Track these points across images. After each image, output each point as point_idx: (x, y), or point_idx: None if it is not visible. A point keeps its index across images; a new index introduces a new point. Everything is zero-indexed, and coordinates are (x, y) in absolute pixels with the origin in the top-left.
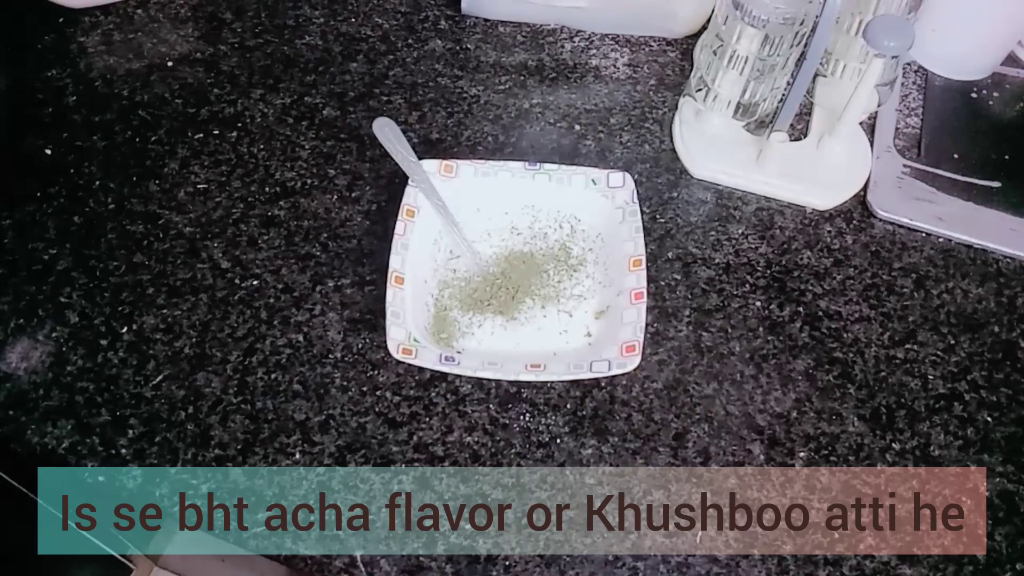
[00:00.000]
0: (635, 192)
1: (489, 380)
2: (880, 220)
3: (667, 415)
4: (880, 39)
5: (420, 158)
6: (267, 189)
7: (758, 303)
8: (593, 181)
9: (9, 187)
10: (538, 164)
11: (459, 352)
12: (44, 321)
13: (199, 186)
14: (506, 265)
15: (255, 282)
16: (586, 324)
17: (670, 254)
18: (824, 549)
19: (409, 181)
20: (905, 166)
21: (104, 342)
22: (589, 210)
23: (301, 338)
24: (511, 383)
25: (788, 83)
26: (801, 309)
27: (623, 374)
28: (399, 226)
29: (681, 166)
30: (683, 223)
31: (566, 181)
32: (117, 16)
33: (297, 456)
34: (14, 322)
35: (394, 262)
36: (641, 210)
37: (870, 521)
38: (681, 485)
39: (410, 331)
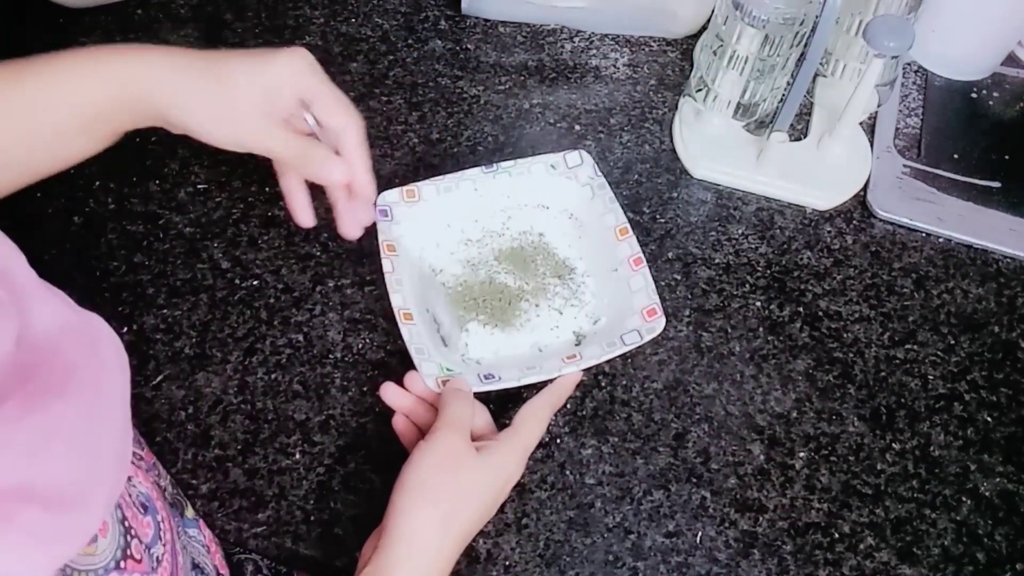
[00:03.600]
0: (595, 166)
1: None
2: (880, 220)
3: (667, 415)
4: (880, 39)
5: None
6: (267, 189)
7: (758, 303)
8: (552, 166)
9: None
10: (495, 165)
11: (484, 368)
12: None
13: (199, 186)
14: (491, 268)
15: (255, 282)
16: (586, 304)
17: (670, 254)
18: (824, 549)
19: (378, 213)
20: (905, 166)
21: None
22: (557, 195)
23: (301, 338)
24: None
25: (788, 83)
26: (801, 309)
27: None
28: (386, 264)
29: (681, 166)
30: (683, 223)
31: (526, 173)
32: (117, 16)
33: (297, 456)
34: None
35: (396, 300)
36: (641, 210)
37: (870, 521)
38: (681, 485)
39: (439, 362)
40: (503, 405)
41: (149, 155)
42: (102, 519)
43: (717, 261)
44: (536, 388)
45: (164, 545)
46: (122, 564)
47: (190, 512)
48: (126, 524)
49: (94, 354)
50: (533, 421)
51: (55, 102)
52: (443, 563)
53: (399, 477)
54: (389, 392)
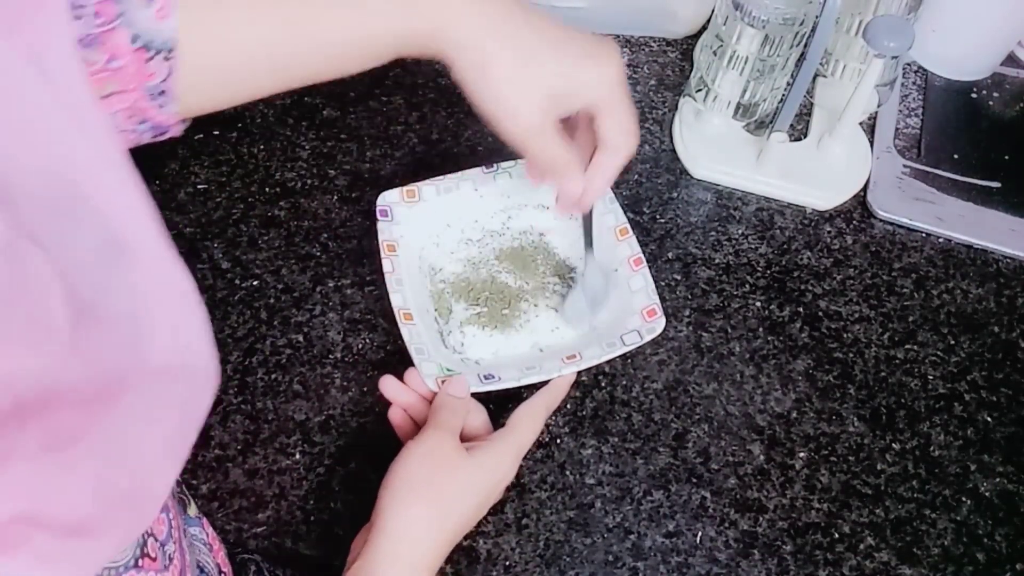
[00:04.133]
0: None
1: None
2: (880, 220)
3: (667, 415)
4: (880, 39)
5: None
6: (267, 189)
7: (758, 303)
8: None
9: None
10: (495, 165)
11: (484, 368)
12: None
13: (199, 186)
14: (493, 268)
15: (255, 282)
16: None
17: (670, 254)
18: (824, 549)
19: (378, 213)
20: (905, 166)
21: None
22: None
23: (301, 338)
24: None
25: (788, 83)
26: (801, 309)
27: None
28: (386, 264)
29: (681, 166)
30: (683, 223)
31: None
32: None
33: (297, 456)
34: None
35: (396, 300)
36: (641, 210)
37: (870, 521)
38: (681, 485)
39: (439, 362)
40: (503, 405)
41: (149, 155)
42: (125, 547)
43: (717, 261)
44: (536, 388)
45: (175, 543)
46: (140, 562)
47: (192, 510)
48: None
49: (159, 385)
50: (528, 422)
51: (361, 21)
52: (432, 560)
53: (387, 474)
54: (388, 386)
